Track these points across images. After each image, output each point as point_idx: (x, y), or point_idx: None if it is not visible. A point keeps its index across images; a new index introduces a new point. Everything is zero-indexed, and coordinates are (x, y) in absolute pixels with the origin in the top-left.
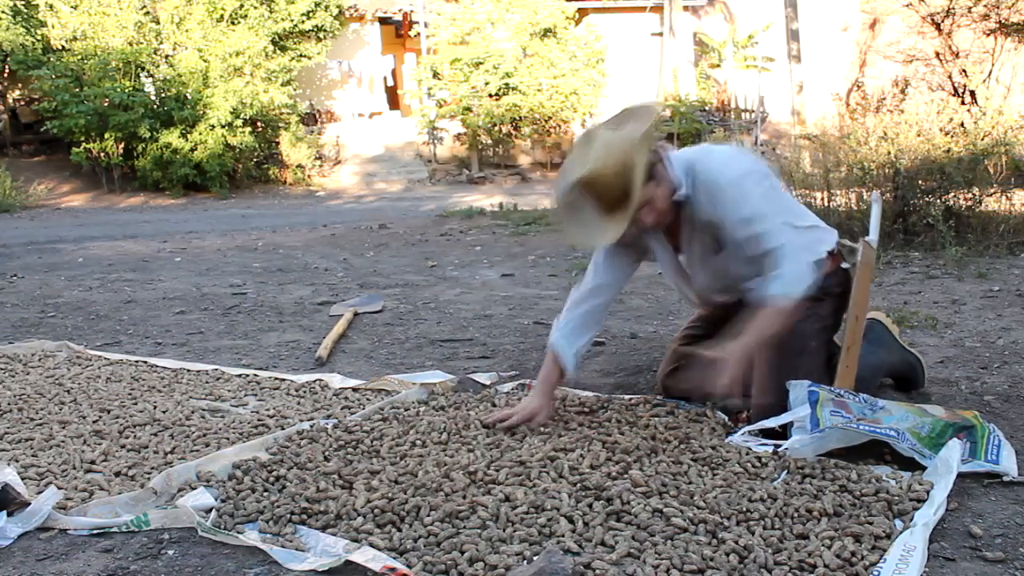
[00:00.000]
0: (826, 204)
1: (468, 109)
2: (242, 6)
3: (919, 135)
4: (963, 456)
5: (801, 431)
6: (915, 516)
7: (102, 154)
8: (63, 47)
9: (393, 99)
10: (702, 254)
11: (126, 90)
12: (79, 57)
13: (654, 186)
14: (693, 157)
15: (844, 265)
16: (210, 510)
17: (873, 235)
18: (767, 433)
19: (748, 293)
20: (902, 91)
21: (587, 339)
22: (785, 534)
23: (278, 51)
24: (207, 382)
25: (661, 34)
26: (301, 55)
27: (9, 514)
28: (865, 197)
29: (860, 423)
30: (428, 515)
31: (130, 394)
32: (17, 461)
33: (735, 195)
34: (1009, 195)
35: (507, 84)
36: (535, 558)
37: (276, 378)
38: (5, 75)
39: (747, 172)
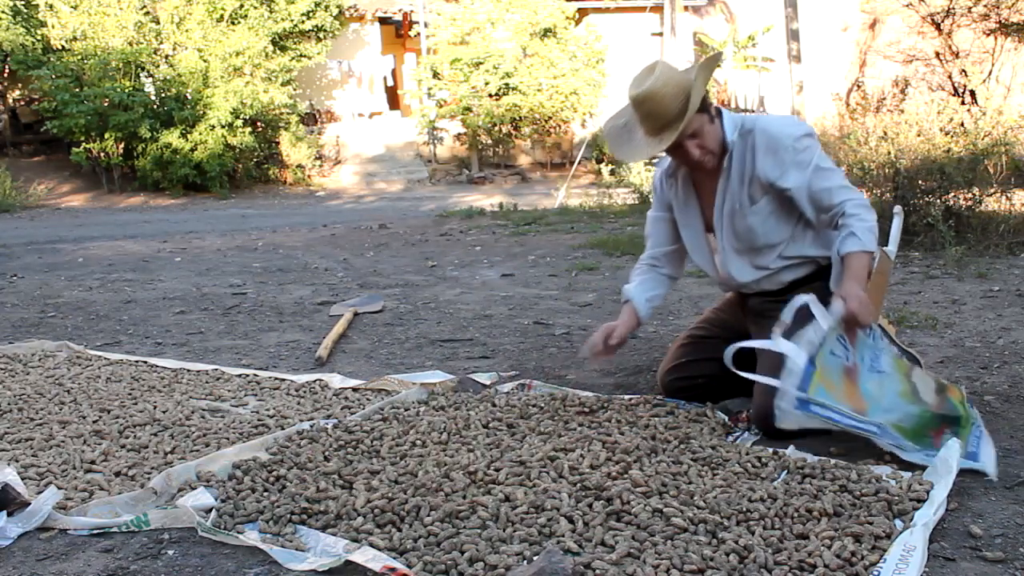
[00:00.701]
0: None
1: (468, 109)
2: (242, 6)
3: (919, 135)
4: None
5: (792, 376)
6: (915, 516)
7: (102, 154)
8: (63, 47)
9: (393, 99)
10: (731, 211)
11: (126, 90)
12: (79, 57)
13: (707, 120)
14: (747, 116)
15: None
16: (210, 510)
17: (892, 246)
18: (778, 433)
19: (766, 277)
20: (902, 91)
21: (657, 293)
22: (785, 534)
23: (278, 51)
24: (207, 382)
25: (661, 34)
26: (301, 55)
27: (9, 514)
28: (865, 197)
29: (845, 417)
30: (428, 515)
31: (130, 394)
32: (17, 461)
33: (799, 148)
34: (1009, 195)
35: (507, 84)
36: (535, 558)
37: (276, 378)
38: (5, 75)
39: (808, 132)
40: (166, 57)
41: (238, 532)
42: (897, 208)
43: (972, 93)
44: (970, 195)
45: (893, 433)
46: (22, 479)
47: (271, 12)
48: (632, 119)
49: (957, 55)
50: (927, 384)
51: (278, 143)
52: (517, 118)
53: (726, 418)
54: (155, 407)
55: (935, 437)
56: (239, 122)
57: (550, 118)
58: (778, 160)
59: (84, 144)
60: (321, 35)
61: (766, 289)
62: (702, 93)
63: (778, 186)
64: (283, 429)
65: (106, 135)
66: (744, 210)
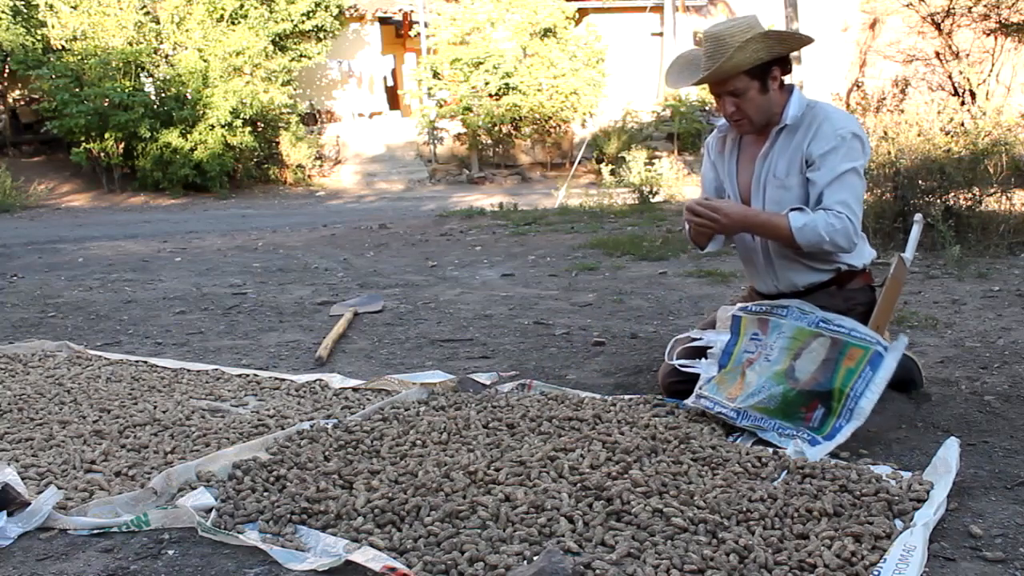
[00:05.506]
0: None
1: (468, 109)
2: (242, 6)
3: (919, 135)
4: (812, 424)
5: (712, 363)
6: (915, 516)
7: (102, 154)
8: (63, 47)
9: (393, 99)
10: (768, 178)
11: (126, 90)
12: (79, 57)
13: (757, 88)
14: (818, 102)
15: (874, 284)
16: (210, 510)
17: (909, 253)
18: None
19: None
20: (902, 91)
21: None
22: (785, 534)
23: (278, 51)
24: (207, 382)
25: (661, 34)
26: (301, 55)
27: (9, 514)
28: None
29: (718, 406)
30: (428, 515)
31: (130, 394)
32: (17, 461)
33: (843, 144)
34: (1009, 195)
35: (507, 84)
36: (535, 558)
37: (276, 378)
38: (5, 75)
39: (859, 134)
40: (166, 57)
41: (238, 532)
42: (918, 216)
43: (972, 93)
44: (970, 195)
45: (753, 414)
46: (22, 479)
47: (271, 12)
48: (699, 55)
49: (957, 55)
50: (818, 354)
51: (278, 143)
52: (517, 118)
53: None
54: (155, 407)
55: (807, 413)
56: (239, 122)
57: (550, 118)
58: (825, 145)
59: (84, 144)
60: (321, 35)
61: (783, 292)
62: (754, 60)
63: (812, 167)
64: (283, 429)
65: (106, 135)
66: (779, 180)
